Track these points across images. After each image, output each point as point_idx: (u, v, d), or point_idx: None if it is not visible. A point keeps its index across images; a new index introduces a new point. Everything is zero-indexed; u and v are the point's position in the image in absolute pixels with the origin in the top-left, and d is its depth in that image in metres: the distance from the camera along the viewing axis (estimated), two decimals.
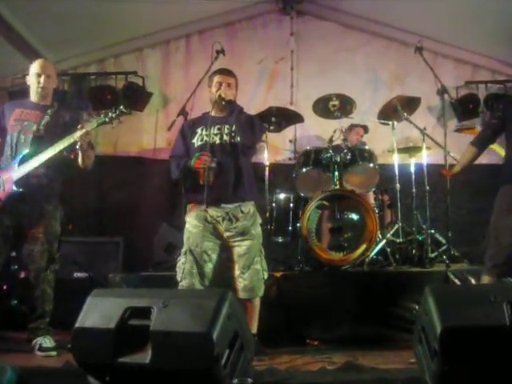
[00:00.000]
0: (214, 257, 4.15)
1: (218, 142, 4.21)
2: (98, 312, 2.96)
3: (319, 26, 7.52)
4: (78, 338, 2.98)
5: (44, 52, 6.90)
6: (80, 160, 4.43)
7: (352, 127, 6.59)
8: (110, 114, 4.43)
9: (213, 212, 4.12)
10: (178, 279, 4.10)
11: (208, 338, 2.61)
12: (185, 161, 4.22)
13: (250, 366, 3.03)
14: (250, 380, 2.50)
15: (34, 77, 4.53)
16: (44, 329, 4.43)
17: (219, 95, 4.23)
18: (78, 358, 3.04)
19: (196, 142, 4.27)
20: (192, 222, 4.19)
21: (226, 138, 4.22)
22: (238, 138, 4.19)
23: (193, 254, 4.10)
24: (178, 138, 4.43)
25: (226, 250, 4.23)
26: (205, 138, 4.23)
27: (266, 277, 4.22)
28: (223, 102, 4.23)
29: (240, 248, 4.13)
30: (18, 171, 4.32)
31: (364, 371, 3.44)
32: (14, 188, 4.31)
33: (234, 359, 2.78)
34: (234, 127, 4.22)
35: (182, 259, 4.14)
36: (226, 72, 4.41)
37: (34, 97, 4.59)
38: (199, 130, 4.29)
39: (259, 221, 4.29)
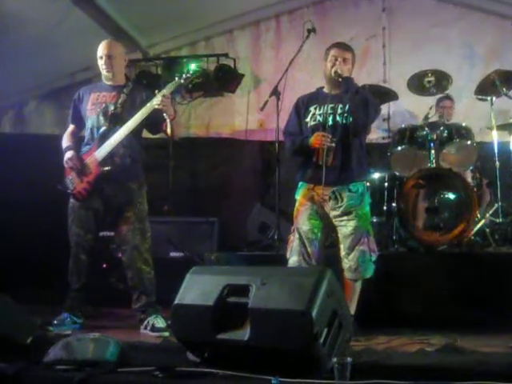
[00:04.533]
0: (320, 235, 4.13)
1: (330, 122, 4.13)
2: (197, 289, 3.01)
3: (411, 1, 7.27)
4: (178, 314, 3.04)
5: (137, 37, 7.06)
6: (169, 129, 4.51)
7: (438, 102, 6.35)
8: (183, 75, 4.55)
9: (320, 191, 4.08)
10: (287, 256, 4.13)
11: (307, 316, 2.61)
12: (301, 139, 4.21)
13: (348, 345, 3.02)
14: (349, 359, 2.47)
15: (98, 60, 4.58)
16: (154, 308, 4.43)
17: (335, 71, 4.13)
18: (177, 334, 3.13)
19: (309, 121, 4.23)
20: (300, 200, 4.19)
21: (338, 118, 4.14)
22: (350, 119, 4.11)
23: (299, 232, 4.11)
24: (293, 115, 4.38)
25: (332, 229, 4.19)
26: (318, 117, 4.19)
27: (373, 258, 4.12)
28: (339, 79, 4.13)
29: (346, 228, 4.07)
30: (100, 151, 4.41)
31: (465, 354, 3.34)
32: (101, 168, 4.40)
33: (332, 338, 2.76)
34: (347, 107, 4.12)
35: (291, 237, 4.17)
36: (342, 46, 4.29)
37: (105, 79, 4.66)
38: (312, 109, 4.24)
39: (368, 201, 4.19)
